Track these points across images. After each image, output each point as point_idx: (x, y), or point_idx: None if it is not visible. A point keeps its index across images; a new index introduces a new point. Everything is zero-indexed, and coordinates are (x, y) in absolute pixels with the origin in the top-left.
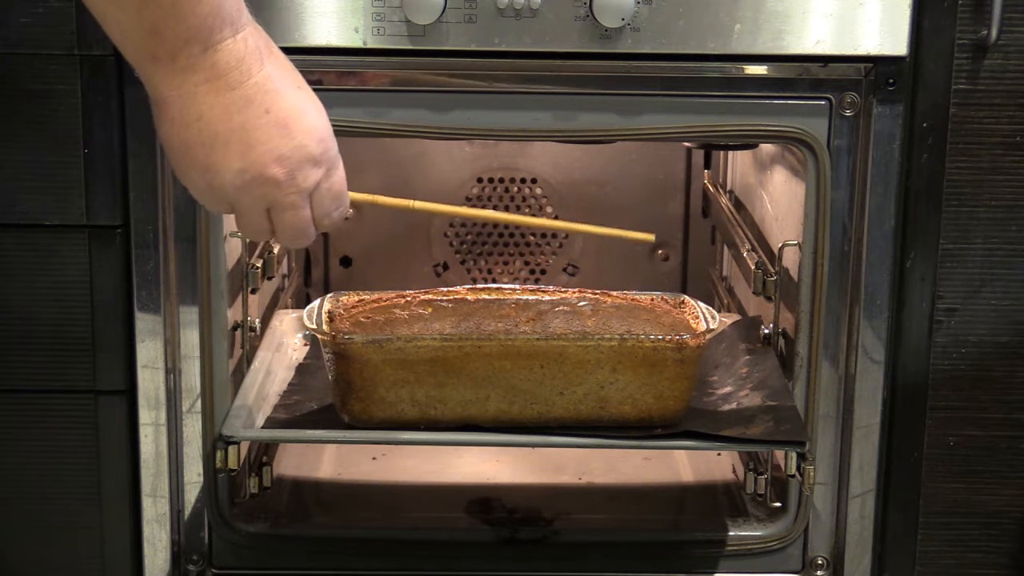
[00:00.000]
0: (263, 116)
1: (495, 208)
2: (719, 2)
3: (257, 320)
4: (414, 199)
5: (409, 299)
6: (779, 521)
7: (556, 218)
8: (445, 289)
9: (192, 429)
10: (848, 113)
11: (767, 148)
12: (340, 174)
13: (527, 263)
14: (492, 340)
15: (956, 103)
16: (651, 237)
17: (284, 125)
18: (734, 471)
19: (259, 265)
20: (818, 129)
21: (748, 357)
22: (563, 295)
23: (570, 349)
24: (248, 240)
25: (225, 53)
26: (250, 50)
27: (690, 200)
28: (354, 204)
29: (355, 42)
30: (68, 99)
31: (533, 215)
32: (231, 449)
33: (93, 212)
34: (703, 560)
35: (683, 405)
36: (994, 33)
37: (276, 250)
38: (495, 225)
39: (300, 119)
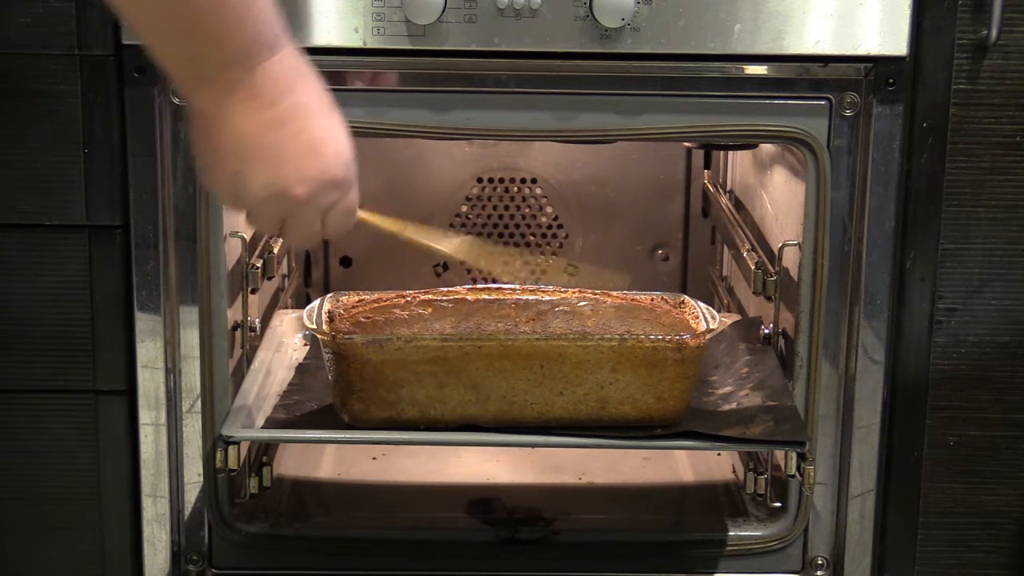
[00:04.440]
0: (295, 137)
1: (495, 208)
2: (719, 2)
3: (257, 320)
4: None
5: (409, 299)
6: (779, 521)
7: (556, 218)
8: (445, 289)
9: (192, 429)
10: (848, 113)
11: (767, 148)
12: (355, 193)
13: (527, 263)
14: (492, 340)
15: (956, 103)
16: (626, 278)
17: (313, 148)
18: (734, 471)
19: (259, 265)
20: (818, 129)
21: (748, 357)
22: (563, 295)
23: (570, 349)
24: (249, 238)
25: (262, 74)
26: (286, 71)
27: (690, 200)
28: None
29: (355, 42)
30: (68, 99)
31: (534, 215)
32: (231, 449)
33: (93, 212)
34: (703, 560)
35: (683, 405)
36: (994, 33)
37: (276, 250)
38: (495, 225)
39: (329, 143)
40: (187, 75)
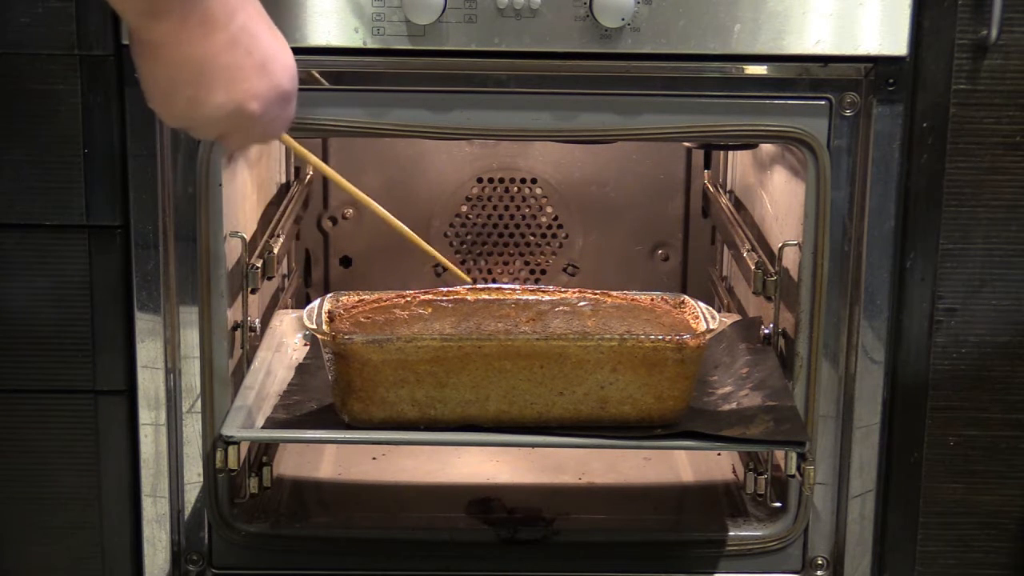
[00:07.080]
0: (246, 57)
1: (495, 208)
2: (719, 2)
3: (257, 320)
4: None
5: (409, 299)
6: (779, 521)
7: (556, 218)
8: (445, 289)
9: (192, 429)
10: (848, 113)
11: (767, 148)
12: (294, 106)
13: (527, 263)
14: (492, 340)
15: (956, 103)
16: (468, 279)
17: (263, 65)
18: (734, 471)
19: (259, 265)
20: (818, 129)
21: (748, 357)
22: (563, 295)
23: (570, 349)
24: (249, 238)
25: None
26: None
27: (690, 200)
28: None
29: (355, 42)
30: (68, 99)
31: (534, 215)
32: (231, 449)
33: (93, 212)
34: (703, 560)
35: (683, 405)
36: (994, 33)
37: (276, 250)
38: (495, 225)
39: (276, 59)
40: (144, 11)
